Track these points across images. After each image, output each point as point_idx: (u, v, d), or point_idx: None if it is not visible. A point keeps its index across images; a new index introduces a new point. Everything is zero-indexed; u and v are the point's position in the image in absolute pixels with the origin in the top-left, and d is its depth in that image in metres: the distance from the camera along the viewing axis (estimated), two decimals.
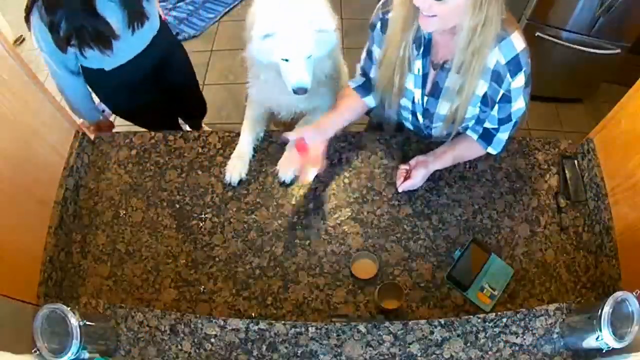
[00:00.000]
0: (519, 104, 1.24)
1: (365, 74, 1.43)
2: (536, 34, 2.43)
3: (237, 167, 1.52)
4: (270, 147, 1.59)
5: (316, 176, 1.52)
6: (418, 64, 1.25)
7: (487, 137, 1.37)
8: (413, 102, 1.36)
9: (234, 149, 1.57)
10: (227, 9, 3.42)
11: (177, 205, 1.50)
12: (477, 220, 1.46)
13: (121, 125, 2.86)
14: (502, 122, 1.30)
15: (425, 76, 1.28)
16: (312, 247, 1.42)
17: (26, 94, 1.33)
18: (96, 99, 1.86)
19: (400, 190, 1.44)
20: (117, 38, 1.50)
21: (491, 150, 1.40)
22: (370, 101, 1.46)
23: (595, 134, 1.50)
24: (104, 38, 1.47)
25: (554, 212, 1.48)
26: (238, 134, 1.60)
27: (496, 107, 1.26)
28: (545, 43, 2.45)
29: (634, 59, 2.49)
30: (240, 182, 1.52)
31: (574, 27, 2.37)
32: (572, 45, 2.43)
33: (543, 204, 1.49)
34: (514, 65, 1.15)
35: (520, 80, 1.18)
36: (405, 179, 1.42)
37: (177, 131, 1.66)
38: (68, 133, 1.53)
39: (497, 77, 1.19)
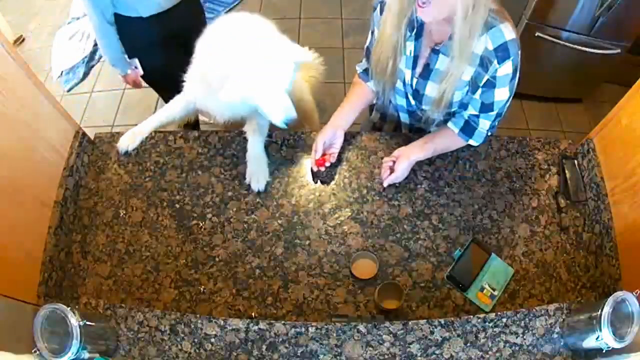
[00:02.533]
0: (502, 93, 1.26)
1: (368, 55, 1.45)
2: (536, 34, 2.43)
3: (128, 139, 1.59)
4: (270, 147, 1.59)
5: (316, 176, 1.53)
6: (410, 46, 1.29)
7: (468, 129, 1.40)
8: (404, 82, 1.39)
9: (234, 149, 1.57)
10: (227, 9, 3.42)
11: (177, 205, 1.50)
12: (477, 220, 1.46)
13: (121, 125, 2.88)
14: (483, 108, 1.32)
15: (416, 58, 1.31)
16: (312, 247, 1.42)
17: (26, 94, 1.33)
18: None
19: (385, 184, 1.46)
20: None
21: (472, 142, 1.43)
22: (372, 86, 1.50)
23: (595, 134, 1.50)
24: None
25: (554, 212, 1.48)
26: (238, 134, 1.60)
27: (479, 91, 1.28)
28: (545, 43, 2.45)
29: (634, 59, 2.50)
30: (127, 152, 1.57)
31: (574, 27, 2.38)
32: (572, 45, 2.43)
33: (543, 204, 1.49)
34: (501, 52, 1.17)
35: (507, 68, 1.20)
36: (391, 172, 1.44)
37: (177, 131, 1.66)
38: (68, 133, 1.53)
39: (483, 63, 1.21)
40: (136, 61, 2.02)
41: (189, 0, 1.91)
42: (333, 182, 1.52)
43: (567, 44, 2.43)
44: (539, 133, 2.80)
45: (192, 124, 2.18)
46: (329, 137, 1.48)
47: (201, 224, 1.47)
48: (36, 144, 1.37)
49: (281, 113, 1.33)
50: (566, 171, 1.52)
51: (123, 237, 1.46)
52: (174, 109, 1.63)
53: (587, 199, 1.48)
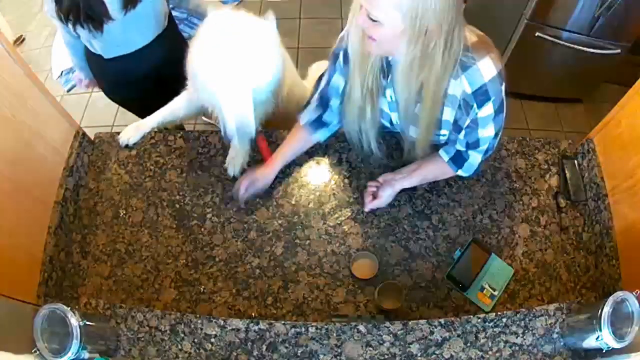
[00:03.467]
0: (487, 132, 1.19)
1: (324, 102, 1.37)
2: (536, 34, 2.43)
3: (130, 132, 1.59)
4: (269, 147, 1.59)
5: (316, 176, 1.53)
6: (389, 92, 1.23)
7: (458, 160, 1.33)
8: (391, 123, 1.35)
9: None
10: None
11: (177, 205, 1.50)
12: (477, 220, 1.46)
13: (121, 125, 2.87)
14: (470, 146, 1.26)
15: (397, 101, 1.23)
16: (312, 247, 1.42)
17: (26, 94, 1.33)
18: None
19: (366, 210, 1.42)
20: (108, 19, 1.50)
21: (462, 173, 1.36)
22: (321, 136, 1.45)
23: (595, 134, 1.50)
24: (95, 18, 1.48)
25: (554, 212, 1.48)
26: None
27: (463, 132, 1.22)
28: (545, 43, 2.45)
29: (634, 59, 2.49)
30: (127, 145, 1.57)
31: (574, 27, 2.38)
32: (572, 45, 2.43)
33: (543, 204, 1.49)
34: (480, 95, 1.09)
35: (488, 109, 1.11)
36: (374, 197, 1.40)
37: (177, 131, 1.66)
38: (68, 133, 1.53)
39: (464, 105, 1.13)
40: None
41: (162, 39, 1.72)
42: (333, 182, 1.52)
43: (567, 44, 2.43)
44: (539, 133, 2.79)
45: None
46: (254, 179, 1.42)
47: (201, 224, 1.47)
48: (36, 144, 1.37)
49: (235, 120, 1.23)
50: (566, 171, 1.52)
51: (123, 237, 1.46)
52: (178, 106, 1.61)
53: (587, 199, 1.48)
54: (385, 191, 1.39)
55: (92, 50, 1.66)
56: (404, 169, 1.41)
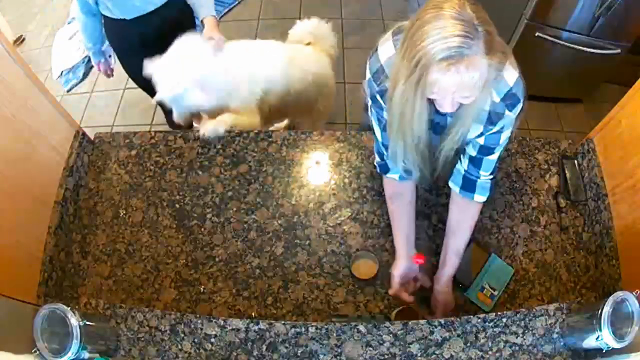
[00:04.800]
0: (507, 134, 1.16)
1: (383, 151, 1.27)
2: (536, 34, 2.43)
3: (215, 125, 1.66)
4: (270, 147, 1.59)
5: (316, 176, 1.53)
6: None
7: (468, 185, 1.25)
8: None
9: (234, 149, 1.58)
10: (227, 9, 3.42)
11: (177, 205, 1.50)
12: (477, 220, 1.45)
13: (121, 125, 2.87)
14: (482, 150, 1.19)
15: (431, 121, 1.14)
16: (312, 247, 1.42)
17: (26, 94, 1.33)
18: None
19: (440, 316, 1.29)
20: None
21: (479, 198, 1.25)
22: (402, 175, 1.29)
23: (595, 134, 1.50)
24: None
25: (554, 212, 1.48)
26: (238, 134, 1.60)
27: (483, 137, 1.16)
28: (545, 43, 2.45)
29: (634, 59, 2.50)
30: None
31: (574, 27, 2.38)
32: (572, 45, 2.43)
33: (543, 204, 1.49)
34: (509, 99, 1.08)
35: (517, 109, 1.11)
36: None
37: (177, 131, 1.66)
38: (68, 133, 1.53)
39: (491, 119, 1.10)
40: (110, 50, 2.06)
41: (173, 2, 1.87)
42: (333, 182, 1.52)
43: (567, 44, 2.43)
44: (539, 133, 2.79)
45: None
46: (404, 270, 1.28)
47: (201, 224, 1.46)
48: (36, 144, 1.37)
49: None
50: (566, 171, 1.51)
51: (123, 237, 1.46)
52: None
53: (587, 199, 1.48)
54: (446, 294, 1.29)
55: (113, 17, 1.80)
56: (440, 266, 1.31)
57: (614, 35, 2.38)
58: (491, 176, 1.24)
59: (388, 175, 1.31)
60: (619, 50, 2.44)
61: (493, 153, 1.19)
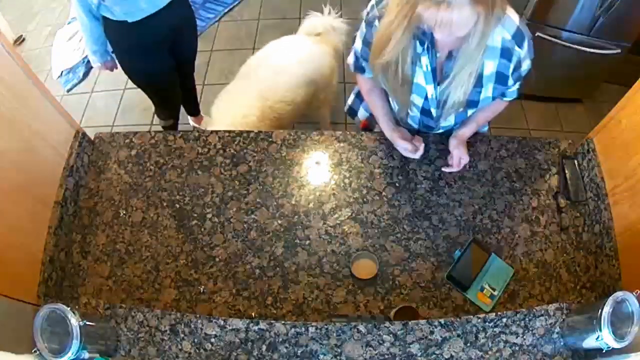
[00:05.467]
0: (527, 64, 1.28)
1: (362, 61, 1.41)
2: (536, 34, 2.43)
3: None
4: (270, 147, 1.59)
5: (316, 176, 1.53)
6: (425, 60, 1.25)
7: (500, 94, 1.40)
8: (426, 98, 1.35)
9: (234, 149, 1.58)
10: (227, 9, 3.42)
11: (177, 205, 1.50)
12: (477, 220, 1.46)
13: (121, 125, 2.88)
14: (515, 79, 1.33)
15: (434, 70, 1.28)
16: (312, 247, 1.42)
17: (26, 94, 1.33)
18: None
19: (454, 170, 1.47)
20: None
21: (507, 98, 1.42)
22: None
23: (595, 134, 1.50)
24: None
25: (554, 212, 1.48)
26: (238, 134, 1.60)
27: (510, 78, 1.30)
28: (545, 43, 2.45)
29: (634, 59, 2.50)
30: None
31: (574, 27, 2.38)
32: (572, 45, 2.43)
33: (543, 204, 1.49)
34: (518, 36, 1.20)
35: (526, 46, 1.23)
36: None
37: (177, 131, 1.66)
38: (68, 133, 1.53)
39: (505, 54, 1.23)
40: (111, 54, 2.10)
41: (176, 4, 1.89)
42: (333, 182, 1.52)
43: (567, 44, 2.43)
44: (539, 133, 2.79)
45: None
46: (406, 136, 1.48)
47: (201, 224, 1.46)
48: (36, 144, 1.37)
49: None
50: (566, 171, 1.51)
51: (123, 237, 1.46)
52: None
53: (587, 199, 1.48)
54: (460, 149, 1.44)
55: (115, 19, 1.80)
56: (457, 129, 1.48)
57: (614, 35, 2.38)
58: (517, 86, 1.36)
59: (364, 75, 1.46)
60: (619, 50, 2.44)
61: (521, 79, 1.32)
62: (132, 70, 2.08)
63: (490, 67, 1.25)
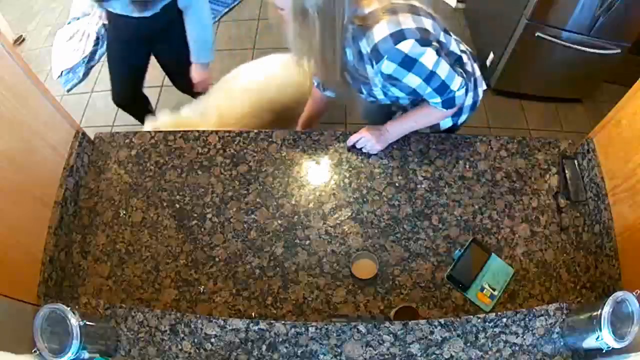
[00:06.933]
0: (412, 80, 1.26)
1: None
2: (536, 34, 2.43)
3: None
4: (270, 147, 1.59)
5: (316, 176, 1.53)
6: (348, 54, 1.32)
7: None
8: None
9: (234, 149, 1.58)
10: (227, 9, 3.42)
11: (177, 205, 1.50)
12: (477, 220, 1.46)
13: (121, 125, 2.87)
14: (413, 93, 1.35)
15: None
16: (312, 247, 1.42)
17: (26, 94, 1.33)
18: None
19: (348, 143, 1.56)
20: None
21: (438, 106, 1.39)
22: (329, 93, 1.63)
23: (595, 134, 1.50)
24: None
25: (554, 212, 1.48)
26: (238, 134, 1.60)
27: (393, 88, 1.35)
28: (545, 43, 2.45)
29: (634, 59, 2.50)
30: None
31: (574, 27, 2.38)
32: (572, 45, 2.43)
33: (543, 204, 1.49)
34: (374, 53, 1.21)
35: (388, 66, 1.22)
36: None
37: (177, 131, 1.66)
38: (68, 133, 1.53)
39: (370, 61, 1.26)
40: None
41: (169, 7, 1.87)
42: (333, 182, 1.52)
43: (567, 44, 2.43)
44: (539, 133, 2.80)
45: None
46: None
47: (201, 224, 1.47)
48: (36, 144, 1.37)
49: None
50: (566, 171, 1.51)
51: (123, 237, 1.46)
52: None
53: (587, 199, 1.48)
54: (367, 133, 1.52)
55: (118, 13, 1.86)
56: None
57: (614, 35, 2.38)
58: (444, 98, 1.34)
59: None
60: (619, 50, 2.44)
61: (418, 95, 1.34)
62: (112, 59, 2.21)
63: (369, 71, 1.30)
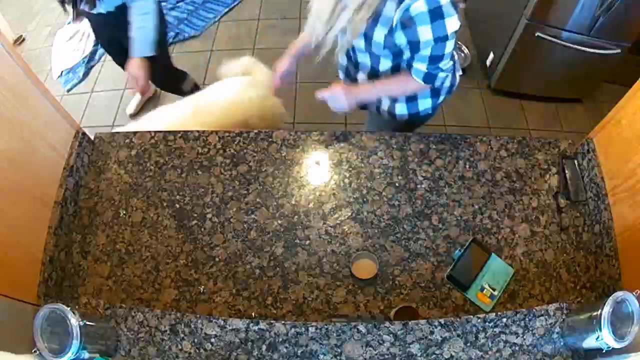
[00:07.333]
0: (425, 33, 1.26)
1: None
2: (536, 34, 2.43)
3: None
4: (270, 147, 1.59)
5: (316, 176, 1.53)
6: None
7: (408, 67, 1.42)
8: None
9: (234, 149, 1.58)
10: (227, 9, 3.42)
11: (177, 205, 1.50)
12: (477, 220, 1.46)
13: (121, 125, 2.87)
14: (412, 49, 1.33)
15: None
16: (312, 247, 1.42)
17: (26, 94, 1.33)
18: None
19: (317, 95, 1.50)
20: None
21: (415, 77, 1.41)
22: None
23: (595, 134, 1.50)
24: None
25: (554, 212, 1.48)
26: (238, 134, 1.60)
27: (402, 33, 1.31)
28: (545, 43, 2.45)
29: (634, 59, 2.50)
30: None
31: (574, 27, 2.38)
32: (572, 45, 2.43)
33: (543, 204, 1.49)
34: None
35: (418, 7, 1.21)
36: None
37: (177, 131, 1.66)
38: (68, 133, 1.53)
39: (398, 9, 1.25)
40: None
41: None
42: (333, 182, 1.52)
43: (567, 44, 2.43)
44: (539, 133, 2.80)
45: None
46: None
47: (201, 224, 1.47)
48: (36, 144, 1.37)
49: None
50: (566, 171, 1.52)
51: (123, 237, 1.46)
52: None
53: (587, 199, 1.48)
54: (335, 89, 1.48)
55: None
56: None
57: (614, 35, 2.39)
58: (427, 70, 1.36)
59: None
60: (619, 50, 2.44)
61: (419, 50, 1.32)
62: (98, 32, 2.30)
63: (378, 34, 1.31)
